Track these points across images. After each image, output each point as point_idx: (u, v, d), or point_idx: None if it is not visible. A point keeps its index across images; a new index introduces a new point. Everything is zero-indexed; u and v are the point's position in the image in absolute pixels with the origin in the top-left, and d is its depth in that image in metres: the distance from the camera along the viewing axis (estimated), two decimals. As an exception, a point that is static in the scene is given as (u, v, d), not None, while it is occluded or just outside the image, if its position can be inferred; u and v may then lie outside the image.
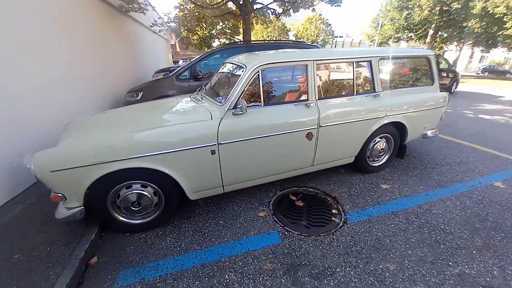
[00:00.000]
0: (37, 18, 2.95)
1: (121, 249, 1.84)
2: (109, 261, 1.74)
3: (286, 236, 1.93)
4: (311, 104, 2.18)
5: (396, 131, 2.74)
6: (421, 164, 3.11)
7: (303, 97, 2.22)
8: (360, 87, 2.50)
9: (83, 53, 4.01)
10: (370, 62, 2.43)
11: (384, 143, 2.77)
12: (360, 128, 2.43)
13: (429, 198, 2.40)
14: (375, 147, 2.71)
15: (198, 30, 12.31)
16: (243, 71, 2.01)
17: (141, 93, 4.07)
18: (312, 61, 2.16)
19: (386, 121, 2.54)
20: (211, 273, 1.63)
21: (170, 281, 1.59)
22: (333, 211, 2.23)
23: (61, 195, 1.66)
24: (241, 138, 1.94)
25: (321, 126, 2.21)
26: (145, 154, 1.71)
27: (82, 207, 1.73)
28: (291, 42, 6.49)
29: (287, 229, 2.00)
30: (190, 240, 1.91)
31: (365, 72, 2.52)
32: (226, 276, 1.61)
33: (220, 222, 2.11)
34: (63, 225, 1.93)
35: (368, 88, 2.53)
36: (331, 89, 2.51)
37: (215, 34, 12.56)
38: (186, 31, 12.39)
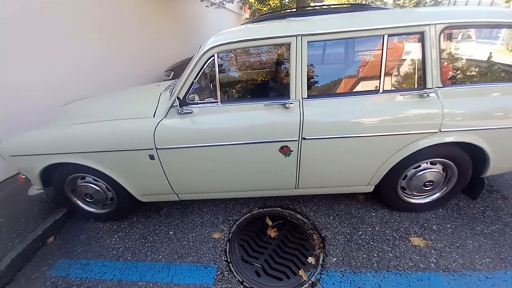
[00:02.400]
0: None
1: (76, 235, 1.91)
2: (60, 244, 1.84)
3: (223, 279, 1.49)
4: (292, 105, 1.47)
5: (465, 156, 1.61)
6: (506, 214, 1.81)
7: (283, 93, 1.52)
8: (393, 79, 1.52)
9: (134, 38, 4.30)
10: (422, 34, 1.39)
11: (438, 172, 1.69)
12: (384, 146, 1.52)
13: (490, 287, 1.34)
14: (418, 176, 1.70)
15: (269, 0, 11.48)
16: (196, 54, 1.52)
17: (173, 72, 4.10)
18: (299, 36, 1.39)
19: (442, 140, 1.49)
20: (119, 295, 1.45)
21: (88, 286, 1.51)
22: (309, 259, 1.58)
23: (24, 176, 1.80)
24: (186, 145, 1.54)
25: (305, 138, 1.49)
26: (74, 151, 1.59)
27: (42, 190, 1.84)
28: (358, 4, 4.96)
29: (231, 268, 1.55)
30: (130, 245, 1.78)
31: (408, 52, 1.49)
32: (127, 307, 1.39)
33: (170, 233, 1.86)
34: (45, 203, 2.14)
35: (411, 81, 1.50)
36: (334, 83, 1.63)
37: (287, 3, 11.40)
38: (257, 2, 11.81)
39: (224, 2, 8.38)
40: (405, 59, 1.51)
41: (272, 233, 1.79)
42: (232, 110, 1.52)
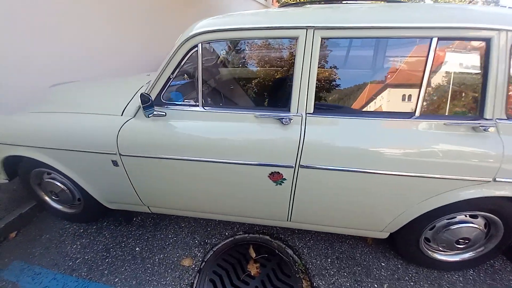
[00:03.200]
0: None
1: (38, 234, 1.72)
2: (21, 242, 1.66)
3: (179, 324, 1.21)
4: (291, 122, 1.11)
5: None
6: None
7: (282, 104, 1.16)
8: (436, 101, 1.10)
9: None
10: (488, 41, 0.96)
11: (478, 229, 1.26)
12: (411, 189, 1.12)
13: None
14: (450, 229, 1.28)
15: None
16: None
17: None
18: (311, 29, 1.01)
19: (493, 193, 1.07)
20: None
21: (24, 305, 1.30)
22: (291, 315, 1.24)
23: (-12, 164, 1.62)
24: (154, 155, 1.24)
25: (303, 166, 1.13)
26: (30, 145, 1.36)
27: (6, 181, 1.66)
28: None
29: (192, 311, 1.26)
30: (90, 258, 1.55)
31: (460, 65, 1.06)
32: None
33: (137, 249, 1.61)
34: (12, 194, 1.96)
35: (463, 107, 1.08)
36: (353, 97, 1.24)
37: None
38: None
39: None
40: (456, 75, 1.08)
41: (254, 269, 1.47)
42: (215, 118, 1.19)
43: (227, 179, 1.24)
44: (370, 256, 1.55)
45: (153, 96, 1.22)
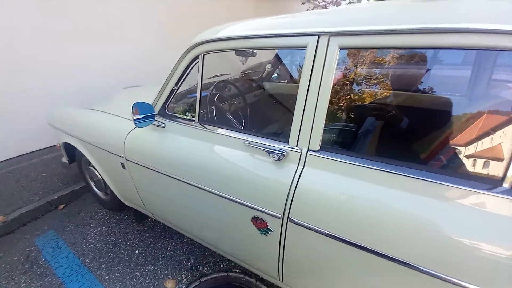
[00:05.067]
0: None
1: (78, 211, 1.99)
2: (63, 214, 1.96)
3: None
4: (285, 157, 0.83)
5: None
6: None
7: (282, 133, 0.89)
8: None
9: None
10: None
11: None
12: None
13: None
14: None
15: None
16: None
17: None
18: (324, 36, 0.72)
19: None
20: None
21: (38, 272, 1.48)
22: None
23: (59, 145, 2.01)
24: (147, 163, 1.20)
25: (292, 220, 0.82)
26: (75, 136, 1.57)
27: (67, 162, 2.00)
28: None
29: None
30: (99, 247, 1.65)
31: None
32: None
33: (136, 251, 1.62)
34: (73, 173, 2.35)
35: None
36: (385, 134, 0.81)
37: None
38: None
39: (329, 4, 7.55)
40: None
41: (233, 323, 1.20)
42: (208, 137, 1.04)
43: (211, 209, 1.06)
44: None
45: (158, 107, 1.18)
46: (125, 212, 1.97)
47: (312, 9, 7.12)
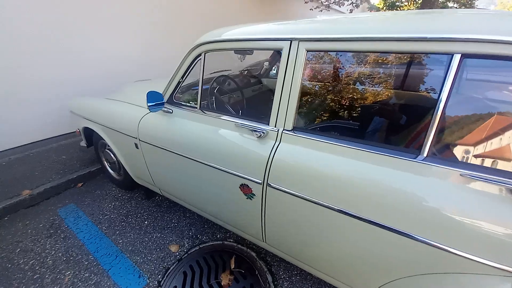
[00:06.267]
0: None
1: (94, 189, 2.26)
2: (82, 191, 2.23)
3: (141, 298, 1.33)
4: (266, 135, 1.06)
5: None
6: None
7: (265, 117, 1.11)
8: (456, 137, 0.79)
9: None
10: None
11: None
12: (403, 250, 0.84)
13: None
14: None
15: (401, 7, 9.72)
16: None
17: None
18: (295, 41, 0.94)
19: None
20: (73, 257, 1.57)
21: (62, 236, 1.75)
22: None
23: (79, 131, 2.27)
24: (155, 143, 1.44)
25: (270, 185, 1.04)
26: (95, 121, 1.82)
27: (86, 145, 2.27)
28: None
29: (160, 287, 1.37)
30: (113, 218, 1.91)
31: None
32: (62, 273, 1.48)
33: (145, 222, 1.87)
34: (90, 155, 2.63)
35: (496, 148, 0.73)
36: (347, 115, 1.02)
37: (419, 6, 9.24)
38: (385, 7, 10.24)
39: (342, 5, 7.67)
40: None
41: (226, 279, 1.44)
42: (207, 121, 1.27)
43: (208, 180, 1.29)
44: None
45: (167, 96, 1.42)
46: (135, 191, 2.22)
47: (315, 8, 7.26)
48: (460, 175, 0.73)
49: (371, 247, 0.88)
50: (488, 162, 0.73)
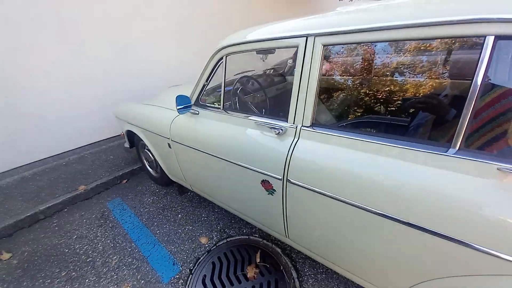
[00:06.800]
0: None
1: (136, 185, 2.52)
2: (126, 187, 2.51)
3: (174, 285, 1.46)
4: (285, 132, 1.08)
5: None
6: None
7: (283, 113, 1.13)
8: (491, 134, 0.71)
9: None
10: None
11: None
12: (429, 252, 0.80)
13: None
14: None
15: None
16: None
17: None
18: (311, 37, 0.94)
19: None
20: (119, 244, 1.79)
21: (110, 226, 2.00)
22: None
23: (123, 134, 2.55)
24: (185, 143, 1.56)
25: (290, 181, 1.06)
26: (135, 124, 2.04)
27: (128, 146, 2.55)
28: None
29: (188, 281, 1.48)
30: (152, 211, 2.11)
31: None
32: (110, 258, 1.69)
33: (179, 216, 2.03)
34: (132, 156, 2.93)
35: None
36: (361, 112, 0.97)
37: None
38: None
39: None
40: None
41: (251, 272, 1.50)
42: (229, 120, 1.34)
43: (232, 177, 1.36)
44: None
45: (194, 98, 1.53)
46: (170, 187, 2.42)
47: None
48: (497, 169, 0.66)
49: (398, 246, 0.84)
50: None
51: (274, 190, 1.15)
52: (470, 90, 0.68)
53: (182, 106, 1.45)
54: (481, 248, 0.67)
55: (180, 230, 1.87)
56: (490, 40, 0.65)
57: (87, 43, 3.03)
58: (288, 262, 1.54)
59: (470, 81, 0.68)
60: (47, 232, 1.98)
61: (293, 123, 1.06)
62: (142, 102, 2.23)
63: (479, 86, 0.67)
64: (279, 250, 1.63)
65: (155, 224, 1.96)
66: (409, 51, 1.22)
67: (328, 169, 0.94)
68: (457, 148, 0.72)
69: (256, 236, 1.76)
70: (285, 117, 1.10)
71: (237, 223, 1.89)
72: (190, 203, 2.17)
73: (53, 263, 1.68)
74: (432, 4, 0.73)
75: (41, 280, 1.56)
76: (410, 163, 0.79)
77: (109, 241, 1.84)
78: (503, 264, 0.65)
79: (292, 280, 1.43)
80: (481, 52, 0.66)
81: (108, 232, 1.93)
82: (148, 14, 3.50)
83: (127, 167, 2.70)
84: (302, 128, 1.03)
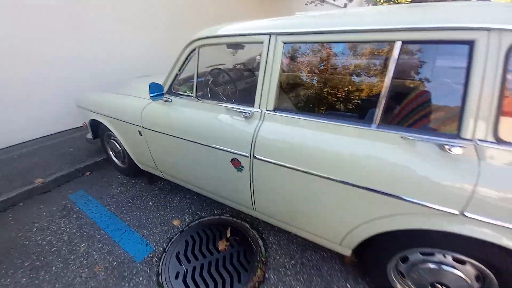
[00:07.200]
0: None
1: (101, 177, 2.46)
2: (90, 179, 2.42)
3: (149, 263, 1.54)
4: (252, 115, 1.26)
5: None
6: None
7: (251, 100, 1.31)
8: (403, 111, 1.00)
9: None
10: (472, 43, 0.82)
11: (461, 278, 1.03)
12: (358, 202, 1.06)
13: None
14: (424, 266, 1.10)
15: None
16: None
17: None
18: (273, 36, 1.14)
19: (460, 229, 0.89)
20: (86, 233, 1.78)
21: (75, 216, 1.95)
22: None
23: (85, 124, 2.45)
24: (157, 129, 1.64)
25: (256, 157, 1.25)
26: (102, 113, 2.01)
27: (91, 137, 2.46)
28: None
29: (161, 258, 1.57)
30: (120, 200, 2.11)
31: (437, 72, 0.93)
32: (78, 245, 1.68)
33: (150, 203, 2.07)
34: (96, 147, 2.83)
35: (433, 119, 0.94)
36: (320, 98, 1.23)
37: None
38: (384, 1, 10.40)
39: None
40: (427, 83, 0.96)
41: (222, 245, 1.65)
42: (201, 107, 1.48)
43: (203, 159, 1.50)
44: (339, 274, 1.45)
45: (166, 87, 1.61)
46: (138, 178, 2.42)
47: (310, 3, 7.42)
48: (401, 137, 0.94)
49: (340, 200, 1.09)
50: (421, 125, 0.94)
51: (243, 167, 1.33)
52: (384, 85, 0.95)
53: (155, 94, 1.53)
54: (391, 193, 0.95)
55: (151, 216, 1.93)
56: (398, 44, 0.92)
57: (45, 25, 2.79)
58: (256, 234, 1.74)
59: (383, 79, 0.95)
60: (2, 226, 1.84)
61: (259, 108, 1.25)
62: (109, 91, 2.19)
63: (390, 82, 0.94)
64: (247, 225, 1.82)
65: (124, 212, 1.98)
66: (356, 54, 1.51)
67: (287, 145, 1.15)
68: (377, 124, 0.99)
69: (226, 216, 1.91)
70: (252, 103, 1.28)
71: (208, 205, 2.02)
72: (161, 191, 2.22)
73: (13, 255, 1.60)
74: (357, 16, 0.99)
75: (3, 271, 1.49)
76: (347, 136, 1.04)
77: (74, 230, 1.81)
78: (404, 204, 0.94)
79: (259, 248, 1.63)
80: (391, 54, 0.93)
81: (73, 222, 1.89)
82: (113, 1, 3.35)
83: (90, 159, 2.60)
84: (266, 112, 1.23)
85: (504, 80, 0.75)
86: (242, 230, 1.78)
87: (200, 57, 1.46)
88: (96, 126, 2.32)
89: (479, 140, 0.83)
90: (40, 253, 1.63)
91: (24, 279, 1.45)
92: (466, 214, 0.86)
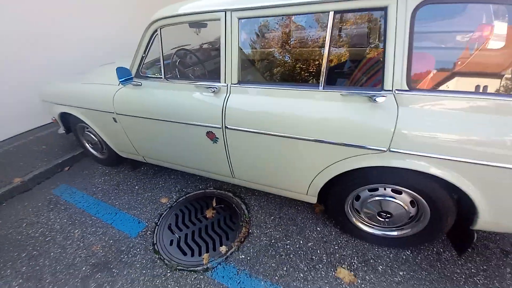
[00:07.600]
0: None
1: (82, 170, 2.48)
2: (70, 173, 2.44)
3: (143, 236, 1.69)
4: (220, 90, 1.38)
5: (444, 194, 1.16)
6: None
7: (217, 76, 1.42)
8: (339, 74, 1.18)
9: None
10: (386, 9, 0.99)
11: (400, 205, 1.30)
12: (314, 153, 1.26)
13: None
14: (372, 200, 1.35)
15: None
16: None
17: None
18: (228, 12, 1.23)
19: (388, 162, 1.12)
20: (78, 220, 1.86)
21: (63, 208, 2.01)
22: (222, 248, 1.57)
23: (55, 119, 2.40)
24: (131, 113, 1.70)
25: (227, 127, 1.39)
26: (72, 105, 2.00)
27: (64, 131, 2.43)
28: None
29: (155, 230, 1.73)
30: (106, 188, 2.19)
31: (363, 37, 1.10)
32: (72, 232, 1.78)
33: (136, 187, 2.17)
34: (72, 141, 2.79)
35: (364, 77, 1.13)
36: (277, 70, 1.38)
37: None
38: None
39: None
40: (360, 47, 1.13)
41: (209, 213, 1.84)
42: (172, 87, 1.55)
43: (181, 136, 1.61)
44: (310, 222, 1.71)
45: (134, 71, 1.65)
46: (120, 166, 2.48)
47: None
48: (341, 94, 1.12)
49: (301, 155, 1.29)
50: (356, 83, 1.13)
51: (217, 138, 1.47)
52: (324, 52, 1.10)
53: (124, 78, 1.57)
54: (337, 142, 1.15)
55: (140, 198, 2.04)
56: (331, 15, 1.06)
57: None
58: (239, 200, 1.94)
59: (323, 47, 1.10)
60: (-12, 227, 1.87)
61: (225, 82, 1.36)
62: (73, 81, 2.15)
63: (328, 49, 1.09)
64: (230, 194, 2.01)
65: (112, 198, 2.07)
66: (304, 27, 1.64)
67: (252, 113, 1.30)
68: (323, 86, 1.16)
69: (211, 189, 2.08)
70: (218, 79, 1.39)
71: (193, 182, 2.17)
72: (145, 176, 2.31)
73: (8, 249, 1.67)
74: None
75: (1, 265, 1.56)
76: (301, 98, 1.21)
77: (65, 220, 1.89)
78: (346, 149, 1.15)
79: (242, 211, 1.84)
80: (327, 24, 1.07)
81: (62, 213, 1.96)
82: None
83: (67, 154, 2.59)
84: (231, 85, 1.35)
85: (411, 38, 0.94)
86: (226, 199, 1.97)
87: (164, 38, 1.50)
88: (67, 119, 2.30)
89: (397, 90, 1.03)
90: (35, 244, 1.71)
91: (24, 268, 1.55)
92: (392, 149, 1.09)
